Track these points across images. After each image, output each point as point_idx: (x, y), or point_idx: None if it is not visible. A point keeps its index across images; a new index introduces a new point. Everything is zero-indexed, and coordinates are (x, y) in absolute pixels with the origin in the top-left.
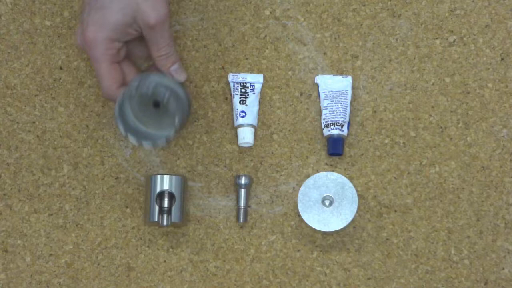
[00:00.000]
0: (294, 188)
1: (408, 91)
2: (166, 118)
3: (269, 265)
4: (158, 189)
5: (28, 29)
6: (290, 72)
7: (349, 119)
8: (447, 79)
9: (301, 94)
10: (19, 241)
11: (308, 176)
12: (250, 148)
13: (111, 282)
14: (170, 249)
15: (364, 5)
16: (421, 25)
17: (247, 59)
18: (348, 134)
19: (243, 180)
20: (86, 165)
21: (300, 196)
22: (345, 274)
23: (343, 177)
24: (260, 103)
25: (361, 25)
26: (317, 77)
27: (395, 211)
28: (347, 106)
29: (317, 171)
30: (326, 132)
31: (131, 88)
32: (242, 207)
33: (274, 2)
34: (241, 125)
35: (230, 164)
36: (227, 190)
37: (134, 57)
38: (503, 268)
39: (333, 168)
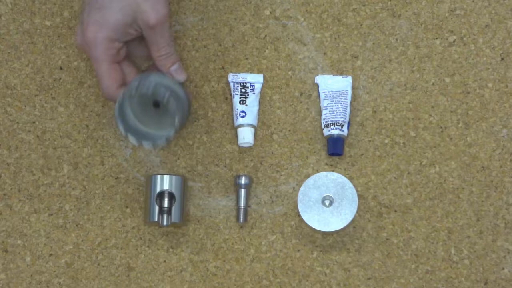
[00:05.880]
0: (294, 188)
1: (408, 91)
2: (166, 118)
3: (269, 265)
4: (158, 189)
5: (28, 29)
6: (290, 72)
7: (349, 119)
8: (447, 79)
9: (301, 94)
10: (19, 241)
11: (308, 176)
12: (250, 148)
13: (111, 282)
14: (170, 249)
15: (364, 5)
16: (421, 25)
17: (247, 59)
18: (348, 134)
19: (243, 180)
20: (86, 165)
21: (300, 196)
22: (345, 274)
23: (343, 177)
24: (260, 103)
25: (361, 25)
26: (317, 77)
27: (395, 211)
28: (347, 106)
29: (317, 171)
30: (326, 132)
31: (131, 88)
32: (242, 207)
33: (274, 2)
34: (241, 125)
35: (230, 164)
36: (227, 190)
37: (134, 57)
38: (503, 268)
39: (333, 168)
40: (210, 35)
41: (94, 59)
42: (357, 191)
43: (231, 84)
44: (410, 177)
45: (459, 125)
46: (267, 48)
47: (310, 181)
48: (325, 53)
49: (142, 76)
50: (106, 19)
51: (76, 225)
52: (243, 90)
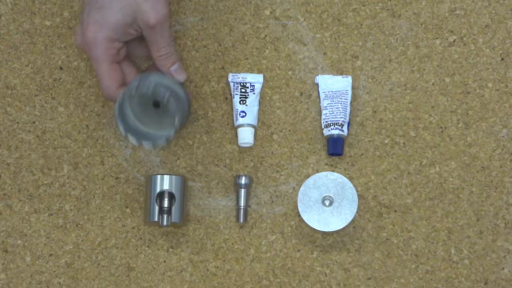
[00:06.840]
0: (294, 188)
1: (408, 91)
2: (166, 118)
3: (269, 265)
4: (158, 189)
5: (28, 29)
6: (290, 72)
7: (349, 119)
8: (447, 79)
9: (301, 94)
10: (19, 241)
11: (308, 176)
12: (250, 148)
13: (111, 282)
14: (170, 249)
15: (364, 5)
16: (421, 25)
17: (247, 59)
18: (348, 134)
19: (243, 180)
20: (86, 165)
21: (300, 196)
22: (345, 274)
23: (343, 177)
24: (260, 103)
25: (361, 25)
26: (317, 77)
27: (395, 211)
28: (347, 106)
29: (317, 171)
30: (326, 132)
31: (131, 88)
32: (242, 207)
33: (274, 2)
34: (241, 125)
35: (230, 164)
36: (227, 190)
37: (134, 57)
38: (503, 268)
39: (333, 168)
40: (210, 35)
41: (94, 59)
42: (357, 191)
43: (231, 84)
44: (410, 177)
45: (459, 125)
46: (267, 48)
47: (310, 181)
48: (325, 53)
49: (142, 76)
50: (106, 19)
51: (76, 225)
52: (243, 90)
